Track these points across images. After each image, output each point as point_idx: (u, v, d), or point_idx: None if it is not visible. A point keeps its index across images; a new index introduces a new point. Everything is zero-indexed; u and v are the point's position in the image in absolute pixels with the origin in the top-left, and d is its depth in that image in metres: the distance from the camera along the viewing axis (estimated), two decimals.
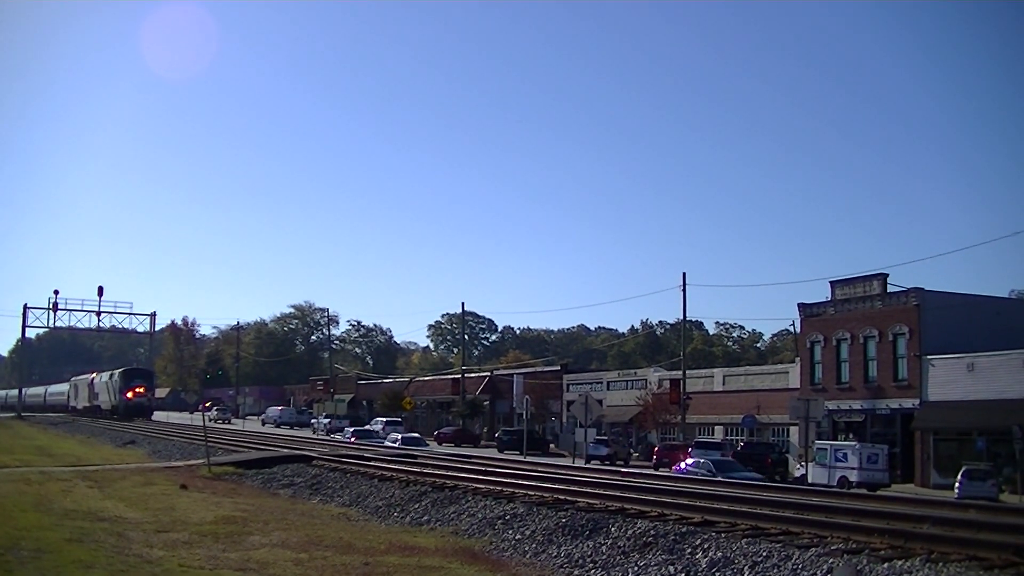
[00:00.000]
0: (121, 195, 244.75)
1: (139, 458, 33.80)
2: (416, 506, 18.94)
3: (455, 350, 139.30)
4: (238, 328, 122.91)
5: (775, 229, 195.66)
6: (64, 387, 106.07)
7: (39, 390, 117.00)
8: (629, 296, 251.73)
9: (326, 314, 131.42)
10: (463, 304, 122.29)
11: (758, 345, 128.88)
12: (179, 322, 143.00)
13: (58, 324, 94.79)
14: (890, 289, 49.20)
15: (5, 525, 13.98)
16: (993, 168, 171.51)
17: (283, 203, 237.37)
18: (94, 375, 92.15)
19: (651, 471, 40.06)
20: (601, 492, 18.15)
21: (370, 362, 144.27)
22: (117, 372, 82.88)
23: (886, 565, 10.91)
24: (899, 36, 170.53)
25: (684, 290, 56.01)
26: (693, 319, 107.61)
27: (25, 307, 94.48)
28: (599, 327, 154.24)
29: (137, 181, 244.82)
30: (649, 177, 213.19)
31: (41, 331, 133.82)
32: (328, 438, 60.00)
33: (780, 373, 58.03)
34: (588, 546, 13.86)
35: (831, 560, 11.36)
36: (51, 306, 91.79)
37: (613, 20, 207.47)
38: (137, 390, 77.39)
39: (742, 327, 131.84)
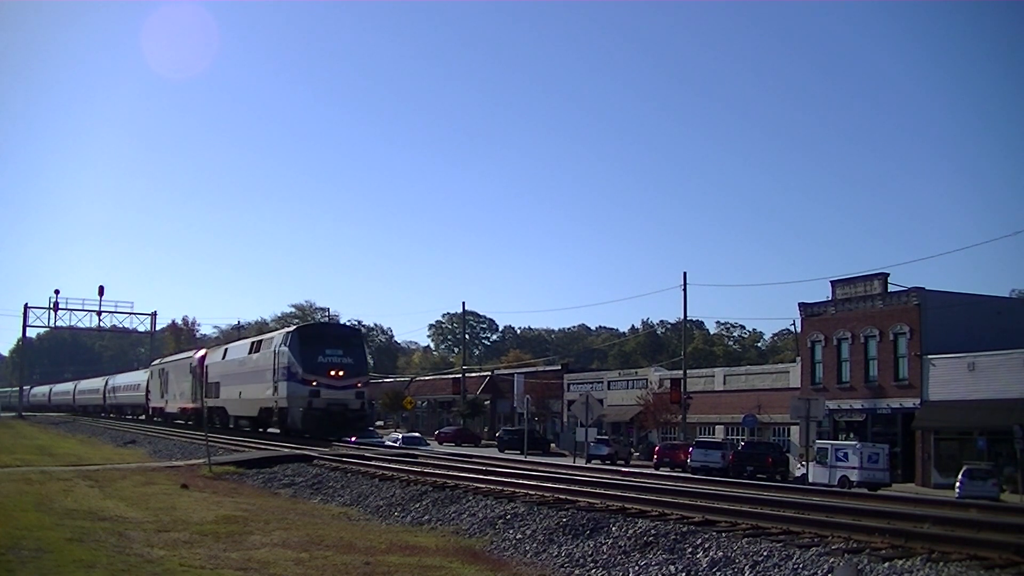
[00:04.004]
0: (122, 195, 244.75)
1: (140, 457, 33.80)
2: (417, 506, 18.93)
3: (456, 350, 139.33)
4: (239, 327, 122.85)
5: (775, 229, 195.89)
6: (138, 377, 70.64)
7: (94, 383, 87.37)
8: (630, 296, 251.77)
9: (327, 313, 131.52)
10: (464, 304, 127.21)
11: (759, 345, 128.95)
12: (180, 322, 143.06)
13: (59, 324, 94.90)
14: (891, 289, 49.23)
15: (6, 525, 13.98)
16: (994, 167, 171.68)
17: (284, 203, 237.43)
18: (203, 351, 44.13)
19: (652, 471, 40.06)
20: (602, 492, 18.14)
21: (371, 361, 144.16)
22: (282, 335, 40.63)
23: (887, 564, 10.90)
24: (900, 35, 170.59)
25: (685, 290, 56.10)
26: (694, 319, 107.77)
27: (26, 307, 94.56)
28: (600, 327, 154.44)
29: (138, 181, 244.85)
30: (649, 177, 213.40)
31: (42, 331, 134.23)
32: None
33: (781, 373, 58.05)
34: (589, 546, 13.85)
35: (832, 559, 11.35)
36: (52, 306, 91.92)
37: (613, 19, 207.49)
38: (335, 373, 37.29)
39: (743, 327, 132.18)
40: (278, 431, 40.41)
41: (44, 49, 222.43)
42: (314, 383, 36.71)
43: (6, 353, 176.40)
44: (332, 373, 37.13)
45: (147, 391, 64.33)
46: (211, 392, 47.06)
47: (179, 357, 59.21)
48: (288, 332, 40.01)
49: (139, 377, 70.43)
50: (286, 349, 38.10)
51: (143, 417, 65.19)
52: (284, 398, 33.72)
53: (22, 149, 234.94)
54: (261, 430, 42.37)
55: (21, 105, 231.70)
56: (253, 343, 44.91)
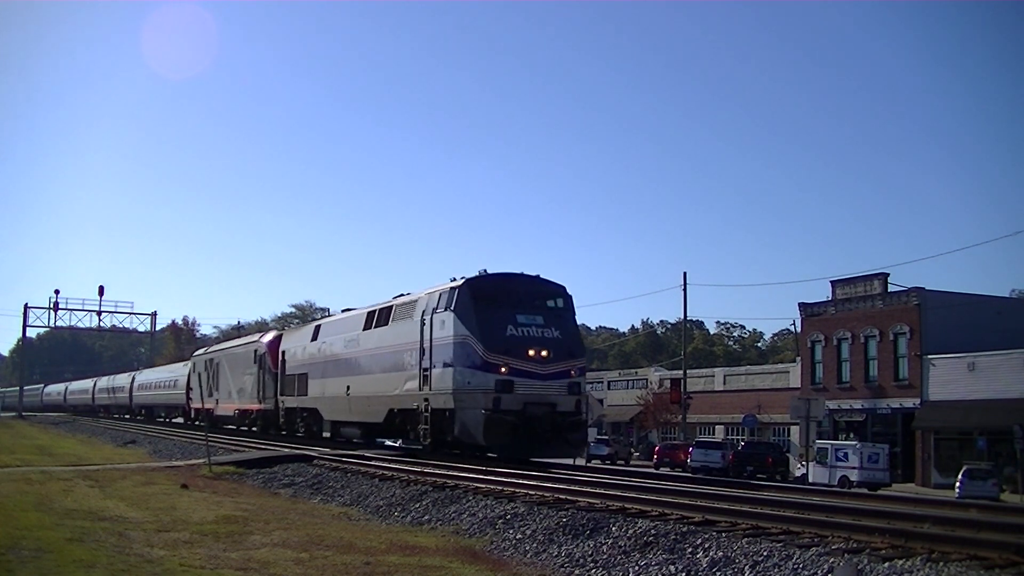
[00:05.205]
0: (122, 194, 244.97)
1: (140, 457, 33.78)
2: (417, 505, 18.91)
3: None
4: (239, 327, 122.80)
5: (776, 228, 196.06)
6: (175, 372, 59.76)
7: (118, 380, 77.37)
8: (630, 295, 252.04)
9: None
10: None
11: (759, 345, 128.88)
12: (180, 322, 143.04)
13: (59, 324, 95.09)
14: (891, 288, 49.27)
15: (6, 525, 13.98)
16: (995, 167, 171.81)
17: (284, 202, 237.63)
18: (272, 333, 43.22)
19: (652, 470, 40.05)
20: (602, 492, 18.10)
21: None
22: (439, 294, 25.17)
23: (887, 564, 10.89)
24: (903, 33, 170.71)
25: (685, 289, 56.07)
26: (694, 318, 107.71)
27: (26, 307, 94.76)
28: (600, 326, 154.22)
29: (138, 180, 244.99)
30: (650, 175, 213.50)
31: (42, 331, 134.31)
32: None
33: (781, 373, 58.10)
34: (589, 545, 13.83)
35: (832, 559, 11.33)
36: (52, 306, 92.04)
37: (617, 16, 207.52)
38: (535, 353, 23.53)
39: (743, 327, 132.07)
40: (420, 446, 26.81)
41: (44, 48, 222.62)
42: (503, 369, 23.23)
43: (6, 353, 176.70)
44: (531, 353, 23.67)
45: (187, 388, 52.42)
46: (291, 388, 36.21)
47: (235, 344, 47.91)
48: (453, 288, 24.79)
49: (176, 372, 59.10)
50: (449, 315, 24.16)
51: (182, 420, 55.53)
52: (447, 393, 23.19)
53: (22, 149, 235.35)
54: (387, 442, 30.58)
55: (21, 105, 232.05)
56: (373, 313, 30.15)
